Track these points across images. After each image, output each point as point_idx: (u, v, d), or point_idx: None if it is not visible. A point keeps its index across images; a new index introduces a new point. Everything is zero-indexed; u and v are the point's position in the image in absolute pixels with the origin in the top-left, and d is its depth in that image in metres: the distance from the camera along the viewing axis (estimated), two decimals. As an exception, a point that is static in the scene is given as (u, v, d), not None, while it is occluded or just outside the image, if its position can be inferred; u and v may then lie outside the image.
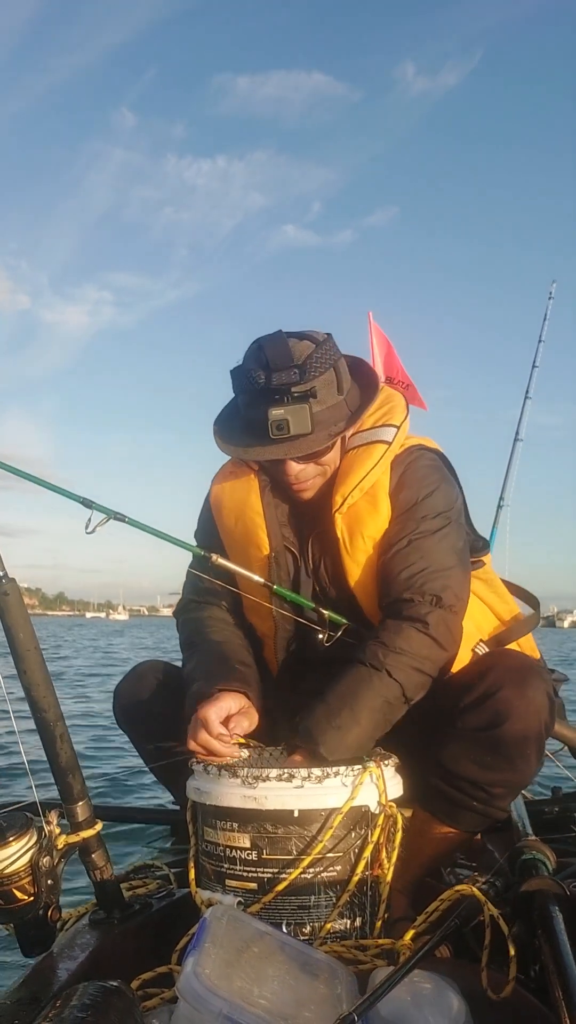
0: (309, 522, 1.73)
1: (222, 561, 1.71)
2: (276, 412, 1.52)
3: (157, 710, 1.71)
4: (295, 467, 1.62)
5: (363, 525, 1.63)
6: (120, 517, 1.74)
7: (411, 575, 1.57)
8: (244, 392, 1.59)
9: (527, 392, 3.98)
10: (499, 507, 3.84)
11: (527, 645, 1.80)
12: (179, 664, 1.82)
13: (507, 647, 1.74)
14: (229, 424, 1.68)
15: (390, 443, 1.66)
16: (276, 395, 1.53)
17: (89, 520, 1.72)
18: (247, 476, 1.75)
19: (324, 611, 1.68)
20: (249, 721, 1.55)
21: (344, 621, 1.68)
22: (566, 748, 2.24)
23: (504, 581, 1.96)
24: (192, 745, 1.50)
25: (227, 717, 1.52)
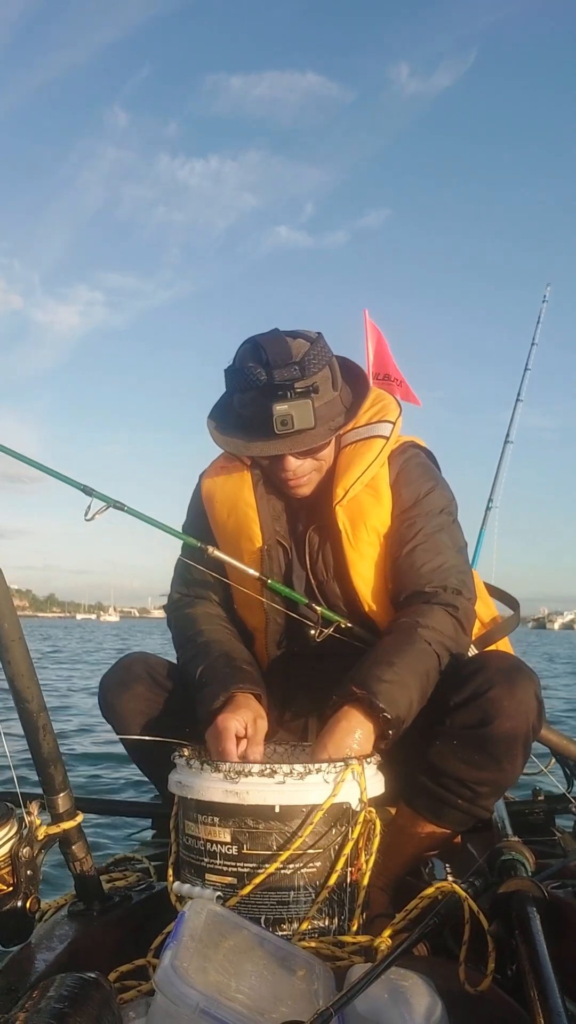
0: (305, 517, 1.73)
1: (218, 553, 1.72)
2: (281, 408, 1.53)
3: (143, 702, 1.70)
4: (293, 462, 1.63)
5: (366, 516, 1.65)
6: (119, 506, 1.74)
7: (434, 568, 1.62)
8: (242, 390, 1.58)
9: (519, 395, 3.98)
10: (488, 508, 3.85)
11: (502, 647, 1.82)
12: (164, 655, 1.82)
13: (489, 648, 1.75)
14: (224, 420, 1.68)
15: (388, 438, 1.68)
16: (279, 391, 1.53)
17: (88, 507, 1.73)
18: (239, 470, 1.76)
19: (317, 608, 1.69)
20: (265, 722, 1.56)
21: (336, 618, 1.69)
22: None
23: (485, 584, 1.97)
24: (217, 752, 1.49)
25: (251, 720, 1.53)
